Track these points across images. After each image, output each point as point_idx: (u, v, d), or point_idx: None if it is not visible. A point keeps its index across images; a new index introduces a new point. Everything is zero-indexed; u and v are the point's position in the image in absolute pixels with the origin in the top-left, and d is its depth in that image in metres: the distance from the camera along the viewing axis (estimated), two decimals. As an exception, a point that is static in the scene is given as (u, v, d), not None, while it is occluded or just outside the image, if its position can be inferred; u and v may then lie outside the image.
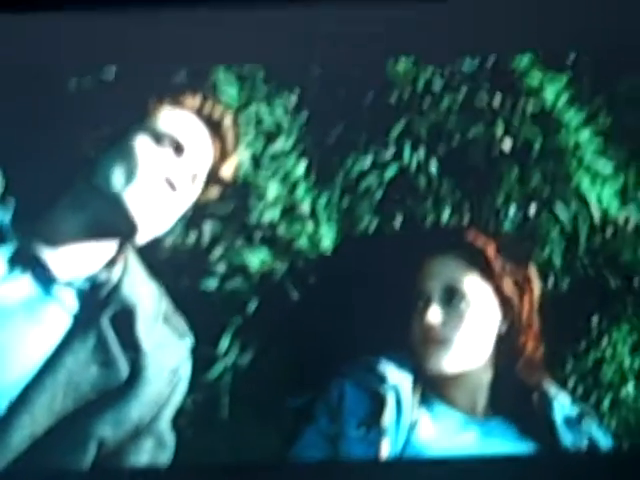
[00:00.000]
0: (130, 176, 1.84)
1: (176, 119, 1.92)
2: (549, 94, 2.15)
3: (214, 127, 1.96)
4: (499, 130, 2.11)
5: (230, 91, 2.05)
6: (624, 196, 2.12)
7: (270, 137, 2.06)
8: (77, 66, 2.01)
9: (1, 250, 1.80)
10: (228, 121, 1.97)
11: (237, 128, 2.00)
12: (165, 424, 1.86)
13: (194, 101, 1.96)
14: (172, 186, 1.87)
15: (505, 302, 1.95)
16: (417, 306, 1.94)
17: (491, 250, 1.95)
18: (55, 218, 1.86)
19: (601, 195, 2.11)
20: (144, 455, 1.83)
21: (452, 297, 1.93)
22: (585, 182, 2.11)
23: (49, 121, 1.94)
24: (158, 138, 1.89)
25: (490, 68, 2.13)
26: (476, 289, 1.93)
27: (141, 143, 1.88)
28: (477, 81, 2.13)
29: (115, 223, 1.85)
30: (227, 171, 1.98)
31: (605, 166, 2.13)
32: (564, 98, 2.15)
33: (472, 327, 1.92)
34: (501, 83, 2.13)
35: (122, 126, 1.90)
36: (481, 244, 1.97)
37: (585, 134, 2.14)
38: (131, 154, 1.87)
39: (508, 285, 1.95)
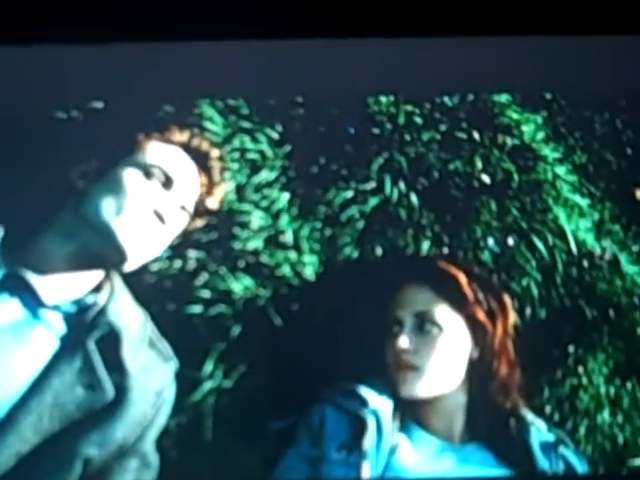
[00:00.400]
0: (119, 208, 1.88)
1: (164, 153, 1.96)
2: (526, 130, 2.19)
3: (201, 161, 2.00)
4: (478, 164, 2.16)
5: (215, 124, 2.08)
6: (600, 229, 2.16)
7: (254, 168, 2.09)
8: (66, 99, 2.04)
9: (-11, 275, 1.83)
10: (214, 155, 2.02)
11: (223, 162, 2.04)
12: (149, 445, 1.88)
13: (182, 136, 2.00)
14: (161, 218, 1.90)
15: (477, 329, 1.98)
16: (391, 333, 1.98)
17: (463, 278, 2.00)
18: (43, 247, 1.89)
19: (578, 228, 2.15)
20: (129, 475, 1.85)
21: (423, 324, 1.96)
22: (562, 215, 2.15)
23: (38, 152, 1.98)
24: (147, 172, 1.93)
25: (469, 104, 2.18)
26: (448, 316, 1.97)
27: (130, 176, 1.92)
28: (457, 116, 2.17)
29: (104, 253, 1.88)
30: (213, 203, 2.01)
31: (582, 200, 2.17)
32: (540, 135, 2.20)
33: (444, 353, 1.96)
34: (480, 119, 2.18)
35: (111, 159, 1.94)
36: (453, 272, 2.01)
37: (562, 169, 2.18)
38: (120, 186, 1.90)
39: (480, 312, 1.98)
